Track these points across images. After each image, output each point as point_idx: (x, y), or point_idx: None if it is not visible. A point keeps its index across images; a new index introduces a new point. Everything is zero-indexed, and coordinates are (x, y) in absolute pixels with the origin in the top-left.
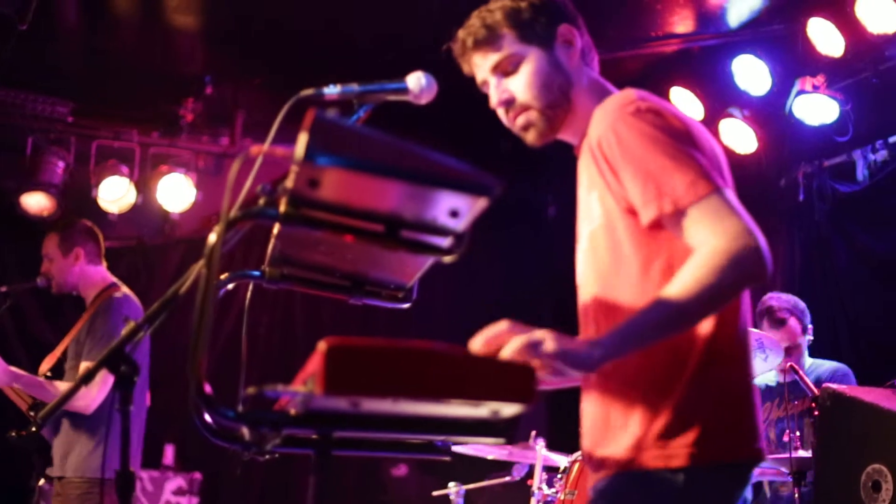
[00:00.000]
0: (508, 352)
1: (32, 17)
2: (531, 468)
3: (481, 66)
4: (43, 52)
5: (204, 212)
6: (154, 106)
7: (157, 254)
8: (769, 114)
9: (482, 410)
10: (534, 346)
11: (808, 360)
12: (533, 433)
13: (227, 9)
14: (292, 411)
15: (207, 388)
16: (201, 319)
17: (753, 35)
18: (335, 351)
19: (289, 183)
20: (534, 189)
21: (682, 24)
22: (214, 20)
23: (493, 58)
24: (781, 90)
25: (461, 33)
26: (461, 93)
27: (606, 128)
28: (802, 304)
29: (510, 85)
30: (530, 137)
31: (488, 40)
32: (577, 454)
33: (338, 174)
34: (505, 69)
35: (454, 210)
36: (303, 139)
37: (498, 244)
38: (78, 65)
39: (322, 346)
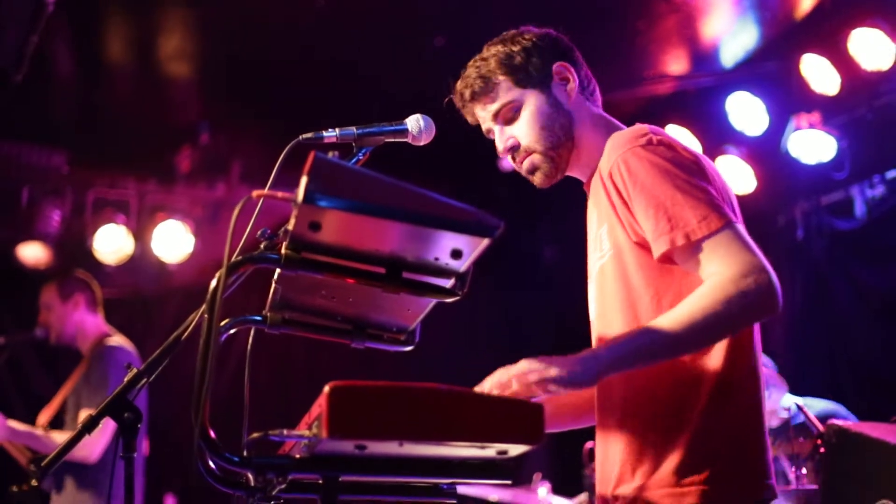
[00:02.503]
0: (505, 390)
1: (27, 69)
2: None
3: (483, 116)
4: (38, 103)
5: (201, 261)
6: (150, 155)
7: (154, 304)
8: (765, 152)
9: (489, 451)
10: (528, 379)
11: (800, 400)
12: (538, 476)
13: (221, 56)
14: (297, 455)
15: (212, 434)
16: (205, 364)
17: (748, 74)
18: (340, 393)
19: (290, 226)
20: (531, 231)
21: (676, 63)
22: (209, 68)
23: (492, 107)
24: (777, 128)
25: (459, 85)
26: (458, 137)
27: (618, 160)
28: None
29: (513, 131)
30: (537, 180)
31: (485, 90)
32: (581, 497)
33: (339, 216)
34: (505, 116)
35: (456, 250)
36: (304, 182)
37: (497, 287)
38: (73, 115)
39: (327, 388)
